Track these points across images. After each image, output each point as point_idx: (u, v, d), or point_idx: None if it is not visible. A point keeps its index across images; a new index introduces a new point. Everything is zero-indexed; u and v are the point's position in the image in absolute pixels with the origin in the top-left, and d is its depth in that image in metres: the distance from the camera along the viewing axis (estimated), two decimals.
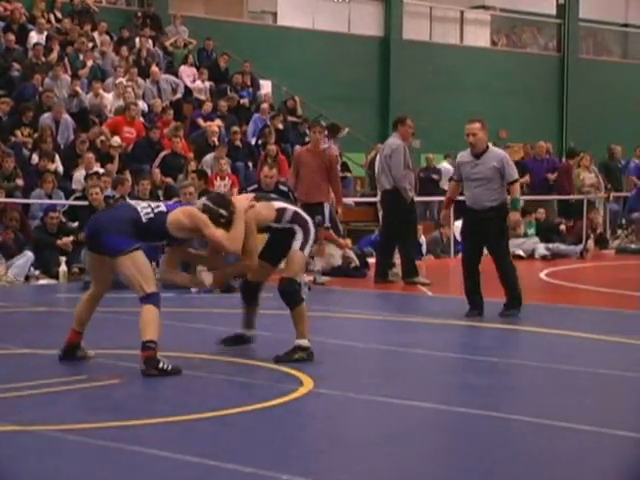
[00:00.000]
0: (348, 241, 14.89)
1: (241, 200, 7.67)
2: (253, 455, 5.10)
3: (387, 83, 26.78)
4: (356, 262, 14.51)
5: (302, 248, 7.73)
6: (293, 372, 7.11)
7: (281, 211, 7.75)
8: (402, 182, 12.96)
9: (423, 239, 17.19)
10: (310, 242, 7.78)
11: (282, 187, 12.35)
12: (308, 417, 6.06)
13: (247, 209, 7.48)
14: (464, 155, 10.37)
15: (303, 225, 7.75)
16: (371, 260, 14.82)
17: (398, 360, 8.12)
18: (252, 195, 7.96)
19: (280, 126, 19.37)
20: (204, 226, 7.24)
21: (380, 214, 14.05)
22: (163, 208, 7.29)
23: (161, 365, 6.97)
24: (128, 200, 7.56)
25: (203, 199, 7.60)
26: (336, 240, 14.17)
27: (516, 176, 10.30)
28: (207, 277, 7.57)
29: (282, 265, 8.04)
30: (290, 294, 7.78)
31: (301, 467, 4.98)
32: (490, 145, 10.39)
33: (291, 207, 7.88)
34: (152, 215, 7.17)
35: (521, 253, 17.06)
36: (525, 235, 17.68)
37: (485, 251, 10.39)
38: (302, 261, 7.86)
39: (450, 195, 10.72)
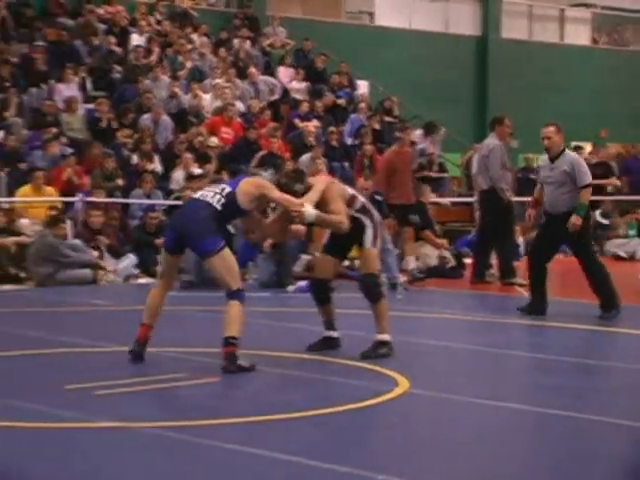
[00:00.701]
0: (444, 241, 14.81)
1: (320, 178, 7.82)
2: (349, 455, 5.10)
3: (484, 83, 26.57)
4: (452, 262, 14.43)
5: (374, 244, 7.82)
6: (388, 372, 7.09)
7: (353, 197, 7.83)
8: (499, 182, 12.85)
9: (521, 240, 17.00)
10: (379, 237, 7.87)
11: (377, 197, 12.37)
12: (403, 417, 6.03)
13: (328, 183, 7.66)
14: (544, 159, 10.35)
15: (371, 218, 7.83)
16: (467, 260, 14.71)
17: (493, 361, 8.05)
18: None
19: (377, 126, 19.34)
20: (270, 190, 7.37)
21: (477, 214, 13.93)
22: (228, 188, 7.33)
23: (239, 362, 7.01)
24: (194, 195, 7.52)
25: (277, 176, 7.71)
26: (433, 240, 14.12)
27: (587, 181, 10.12)
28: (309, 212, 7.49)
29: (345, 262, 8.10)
30: (371, 289, 7.84)
31: (397, 467, 4.97)
32: (566, 149, 10.30)
33: (361, 197, 7.95)
34: (224, 200, 7.24)
35: (622, 254, 16.79)
36: (626, 236, 17.39)
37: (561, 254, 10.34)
38: (377, 257, 7.97)
39: (536, 196, 10.63)
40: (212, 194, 7.30)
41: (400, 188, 13.05)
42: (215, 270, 7.17)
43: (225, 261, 7.15)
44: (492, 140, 13.05)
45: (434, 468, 5.01)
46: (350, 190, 7.92)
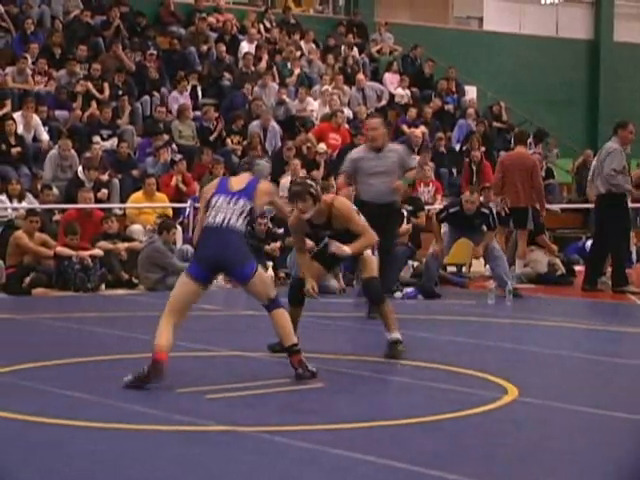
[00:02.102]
0: (555, 248, 14.63)
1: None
2: (457, 462, 5.08)
3: (596, 87, 26.18)
4: (562, 269, 14.25)
5: (374, 252, 8.09)
6: (497, 380, 7.04)
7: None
8: (613, 181, 12.63)
9: (633, 247, 16.73)
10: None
11: (484, 210, 12.26)
12: (513, 425, 5.98)
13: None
14: None
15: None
16: (577, 268, 14.52)
17: (604, 370, 7.91)
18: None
19: (485, 132, 19.20)
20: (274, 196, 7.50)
21: (593, 220, 13.71)
22: (248, 204, 7.12)
23: (309, 367, 7.03)
24: (219, 220, 7.23)
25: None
26: (548, 245, 13.94)
27: None
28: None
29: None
30: (375, 292, 7.92)
31: (505, 476, 4.93)
32: None
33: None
34: (245, 214, 7.10)
35: None
36: None
37: None
38: (375, 261, 8.10)
39: None
40: (235, 217, 7.07)
41: (513, 190, 12.95)
42: (255, 288, 7.09)
43: (261, 276, 7.17)
44: (613, 144, 12.85)
45: (543, 478, 4.95)
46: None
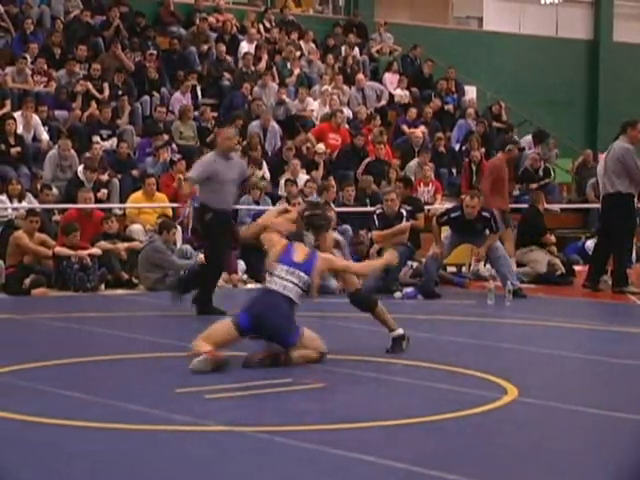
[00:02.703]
0: (554, 248, 14.61)
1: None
2: (457, 462, 5.08)
3: (595, 87, 26.18)
4: (562, 269, 14.25)
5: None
6: (497, 380, 7.04)
7: (337, 243, 8.44)
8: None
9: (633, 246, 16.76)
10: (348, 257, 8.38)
11: (485, 214, 12.26)
12: (513, 425, 5.98)
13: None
14: None
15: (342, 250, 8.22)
16: (577, 268, 14.53)
17: (604, 370, 7.92)
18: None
19: (485, 132, 19.20)
20: (336, 262, 7.97)
21: (598, 219, 13.72)
22: (305, 276, 7.55)
23: None
24: (274, 287, 7.56)
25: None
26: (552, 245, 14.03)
27: None
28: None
29: None
30: (363, 303, 8.09)
31: (505, 476, 4.93)
32: None
33: (339, 237, 8.32)
34: (301, 289, 7.54)
35: None
36: None
37: None
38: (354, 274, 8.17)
39: None
40: (292, 286, 7.49)
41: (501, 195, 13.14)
42: (306, 350, 7.49)
43: (308, 336, 7.53)
44: (622, 143, 12.82)
45: (543, 478, 4.95)
46: (335, 236, 8.18)
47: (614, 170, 12.69)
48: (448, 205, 16.03)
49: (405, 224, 12.88)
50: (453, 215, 12.35)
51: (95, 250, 12.82)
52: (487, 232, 12.29)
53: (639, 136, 12.90)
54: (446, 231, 12.65)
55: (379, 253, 12.67)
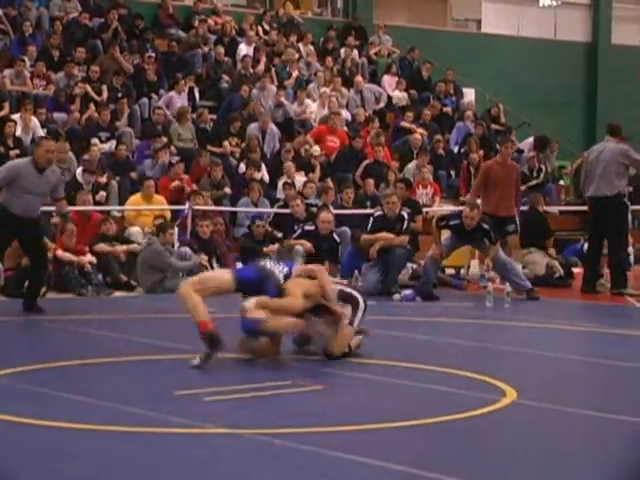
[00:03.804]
0: (552, 250, 14.61)
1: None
2: (456, 464, 5.08)
3: (594, 89, 26.21)
4: (560, 271, 14.25)
5: (352, 322, 7.93)
6: (496, 382, 7.04)
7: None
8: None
9: (631, 249, 16.75)
10: (360, 315, 7.99)
11: (485, 225, 12.26)
12: (511, 428, 5.98)
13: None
14: None
15: (348, 299, 8.01)
16: (576, 270, 14.52)
17: (602, 372, 7.92)
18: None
19: (483, 134, 19.22)
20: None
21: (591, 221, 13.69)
22: (286, 269, 7.85)
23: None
24: (265, 264, 7.98)
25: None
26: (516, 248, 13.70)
27: None
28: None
29: None
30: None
31: (503, 478, 4.93)
32: None
33: (336, 285, 8.15)
34: (283, 275, 7.77)
35: None
36: None
37: None
38: (350, 336, 7.90)
39: None
40: (279, 269, 7.85)
41: (495, 199, 13.04)
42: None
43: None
44: (615, 145, 12.89)
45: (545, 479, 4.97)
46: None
47: (616, 171, 12.70)
48: (447, 207, 16.08)
49: (391, 237, 12.80)
50: (452, 223, 12.40)
51: (91, 259, 12.81)
52: (486, 242, 12.30)
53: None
54: (446, 233, 12.66)
55: (379, 253, 12.67)
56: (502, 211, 13.09)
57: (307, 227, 13.36)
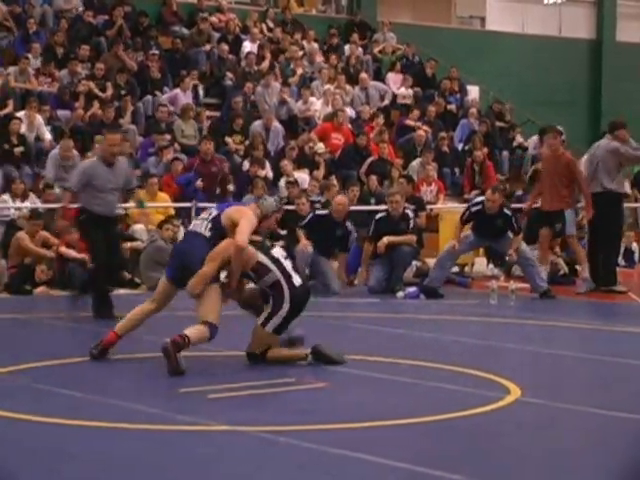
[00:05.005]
0: (557, 248, 14.59)
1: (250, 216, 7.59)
2: (460, 462, 5.07)
3: (598, 87, 26.16)
4: (565, 269, 14.24)
5: (264, 324, 7.45)
6: (500, 380, 7.03)
7: (263, 270, 7.48)
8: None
9: (635, 246, 16.80)
10: (275, 319, 7.42)
11: (506, 211, 12.19)
12: (515, 425, 5.97)
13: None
14: None
15: (277, 298, 7.43)
16: (580, 267, 14.49)
17: (606, 370, 7.90)
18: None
19: (487, 132, 19.19)
20: (245, 220, 7.45)
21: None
22: (215, 212, 7.67)
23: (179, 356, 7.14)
24: (192, 224, 7.94)
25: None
26: (577, 249, 13.50)
27: None
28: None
29: None
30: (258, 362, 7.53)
31: (507, 476, 4.92)
32: None
33: (277, 273, 7.47)
34: (211, 224, 7.55)
35: None
36: None
37: None
38: (266, 338, 7.47)
39: None
40: (202, 220, 7.68)
41: (547, 193, 12.87)
42: (201, 302, 7.36)
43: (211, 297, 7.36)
44: (607, 142, 12.87)
45: (545, 477, 4.95)
46: (263, 259, 7.50)
47: (605, 169, 12.68)
48: (451, 205, 16.07)
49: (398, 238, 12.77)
50: (474, 209, 12.30)
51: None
52: (510, 235, 12.23)
53: (627, 137, 12.95)
54: (467, 230, 12.63)
55: (386, 250, 12.66)
56: (550, 205, 12.79)
57: (320, 211, 13.21)
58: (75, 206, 10.39)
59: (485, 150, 18.18)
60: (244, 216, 7.53)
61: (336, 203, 12.88)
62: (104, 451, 5.19)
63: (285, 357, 7.57)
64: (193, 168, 15.31)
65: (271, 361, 7.49)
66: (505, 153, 19.46)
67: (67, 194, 10.65)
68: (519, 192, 17.55)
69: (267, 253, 7.56)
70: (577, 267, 14.11)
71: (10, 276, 12.44)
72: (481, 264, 14.94)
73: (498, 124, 20.24)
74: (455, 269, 14.81)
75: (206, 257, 7.38)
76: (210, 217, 7.61)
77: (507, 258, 13.29)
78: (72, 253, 12.65)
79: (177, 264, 7.58)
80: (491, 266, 14.32)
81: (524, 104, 22.32)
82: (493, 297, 11.68)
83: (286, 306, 7.42)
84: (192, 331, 7.20)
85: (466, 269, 15.07)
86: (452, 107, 20.27)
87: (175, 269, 7.59)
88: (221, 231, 7.51)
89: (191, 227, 7.81)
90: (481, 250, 14.27)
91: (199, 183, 14.91)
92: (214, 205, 8.13)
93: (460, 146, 19.09)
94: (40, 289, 12.34)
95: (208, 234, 7.51)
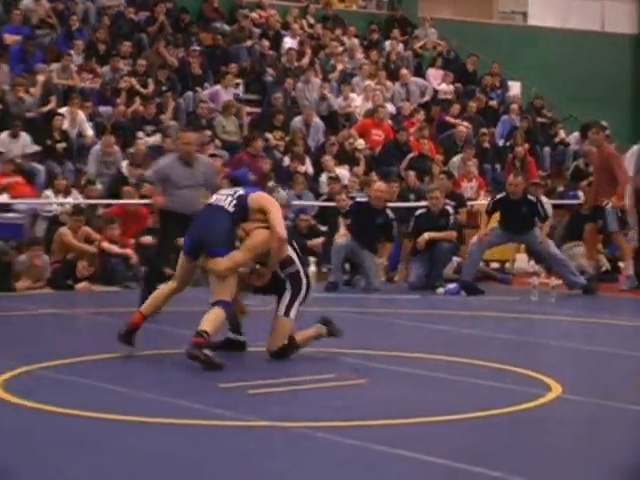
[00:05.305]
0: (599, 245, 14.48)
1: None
2: (500, 459, 5.05)
3: None
4: (607, 266, 14.13)
5: (287, 313, 7.57)
6: (541, 377, 6.99)
7: (288, 260, 7.62)
8: None
9: None
10: (297, 305, 7.59)
11: (531, 197, 12.19)
12: (556, 423, 5.94)
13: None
14: None
15: (295, 286, 7.62)
16: (622, 264, 14.37)
17: None
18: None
19: (529, 127, 19.08)
20: (274, 211, 7.47)
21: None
22: (242, 191, 7.62)
23: (205, 351, 7.14)
24: (213, 198, 7.77)
25: None
26: (622, 245, 13.21)
27: None
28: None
29: None
30: (283, 358, 7.59)
31: (547, 473, 4.90)
32: None
33: (298, 264, 7.69)
34: (235, 201, 7.50)
35: None
36: None
37: None
38: (289, 328, 7.58)
39: None
40: (226, 195, 7.62)
41: (593, 188, 12.86)
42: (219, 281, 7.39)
43: (229, 280, 7.37)
44: None
45: (586, 475, 4.92)
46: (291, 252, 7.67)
47: None
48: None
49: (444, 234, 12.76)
50: (498, 197, 12.35)
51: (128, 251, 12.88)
52: (537, 227, 12.19)
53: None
54: (493, 224, 12.59)
55: (426, 247, 12.63)
56: (595, 200, 12.81)
57: (359, 199, 13.19)
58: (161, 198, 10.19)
59: (526, 146, 18.08)
60: (274, 206, 7.55)
61: (375, 190, 12.85)
62: (144, 446, 5.21)
63: (311, 336, 7.72)
64: (240, 163, 15.30)
65: (302, 344, 7.62)
66: (547, 149, 19.34)
67: (151, 187, 10.62)
68: (560, 188, 17.46)
69: (291, 244, 7.72)
70: (620, 264, 14.00)
71: (53, 271, 12.54)
72: (522, 260, 14.86)
73: (539, 120, 20.12)
74: (496, 265, 14.76)
75: (227, 230, 7.39)
76: (236, 195, 7.56)
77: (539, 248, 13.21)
78: (114, 248, 12.74)
79: (195, 238, 7.54)
80: (532, 262, 14.23)
81: (566, 100, 22.17)
82: (534, 294, 11.62)
83: (303, 293, 7.64)
84: (208, 323, 7.20)
85: (507, 265, 15.00)
86: (493, 103, 20.17)
87: (193, 243, 7.56)
88: (245, 211, 7.50)
89: (213, 201, 7.68)
90: (522, 246, 14.20)
91: (253, 177, 14.92)
92: None
93: (501, 142, 18.99)
94: (82, 285, 12.43)
95: (232, 210, 7.48)
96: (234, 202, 7.51)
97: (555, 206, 15.24)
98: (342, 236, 12.58)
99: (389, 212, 12.70)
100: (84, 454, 5.06)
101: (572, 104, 22.12)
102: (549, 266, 13.42)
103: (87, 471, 4.80)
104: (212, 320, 7.23)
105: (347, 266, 13.08)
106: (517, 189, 12.08)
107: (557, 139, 19.76)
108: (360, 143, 16.91)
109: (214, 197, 7.74)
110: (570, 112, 21.73)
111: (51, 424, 5.65)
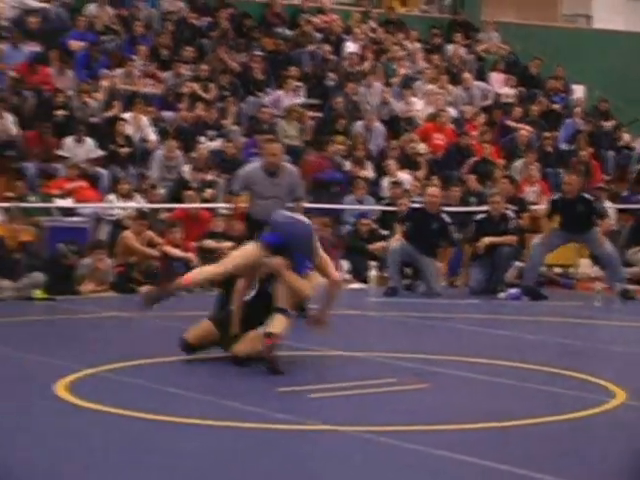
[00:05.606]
0: None
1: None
2: (563, 466, 5.00)
3: None
4: None
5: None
6: (604, 383, 6.92)
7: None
8: None
9: None
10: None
11: (587, 196, 12.09)
12: (621, 430, 5.86)
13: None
14: None
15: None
16: None
17: None
18: None
19: (593, 131, 18.89)
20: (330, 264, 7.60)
21: None
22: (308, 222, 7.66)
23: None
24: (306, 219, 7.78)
25: None
26: None
27: None
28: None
29: None
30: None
31: None
32: None
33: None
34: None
35: None
36: None
37: None
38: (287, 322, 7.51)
39: None
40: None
41: None
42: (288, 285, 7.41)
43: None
44: None
45: None
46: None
47: None
48: None
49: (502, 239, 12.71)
50: (555, 197, 12.31)
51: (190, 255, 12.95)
52: (597, 228, 12.09)
53: None
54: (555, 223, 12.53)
55: (486, 251, 12.57)
56: None
57: (415, 205, 13.16)
58: (244, 206, 10.13)
59: (590, 150, 17.89)
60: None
61: (428, 195, 12.83)
62: (206, 448, 5.24)
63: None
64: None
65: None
66: (611, 153, 19.13)
67: (234, 197, 10.41)
68: (624, 193, 17.26)
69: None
70: None
71: (116, 275, 12.66)
72: (586, 265, 14.71)
73: (603, 124, 19.91)
74: (559, 270, 14.63)
75: (308, 253, 7.41)
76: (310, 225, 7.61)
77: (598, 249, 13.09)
78: (176, 252, 12.83)
79: (284, 241, 7.49)
80: (596, 268, 14.09)
81: (631, 103, 21.91)
82: (598, 299, 11.50)
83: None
84: (276, 326, 7.22)
85: (571, 270, 14.86)
86: (556, 106, 20.01)
87: (281, 243, 7.49)
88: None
89: (301, 217, 7.75)
90: (586, 251, 14.07)
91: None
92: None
93: (564, 146, 18.83)
94: (145, 288, 12.52)
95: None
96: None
97: (619, 210, 15.08)
98: (396, 241, 12.59)
99: (445, 217, 12.68)
100: (148, 456, 5.10)
101: (637, 107, 21.86)
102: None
103: (152, 474, 4.83)
104: (278, 324, 7.26)
105: (408, 271, 13.06)
106: (572, 187, 11.99)
107: (621, 143, 19.54)
108: (422, 147, 16.86)
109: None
110: (635, 115, 21.46)
111: (116, 426, 5.69)
